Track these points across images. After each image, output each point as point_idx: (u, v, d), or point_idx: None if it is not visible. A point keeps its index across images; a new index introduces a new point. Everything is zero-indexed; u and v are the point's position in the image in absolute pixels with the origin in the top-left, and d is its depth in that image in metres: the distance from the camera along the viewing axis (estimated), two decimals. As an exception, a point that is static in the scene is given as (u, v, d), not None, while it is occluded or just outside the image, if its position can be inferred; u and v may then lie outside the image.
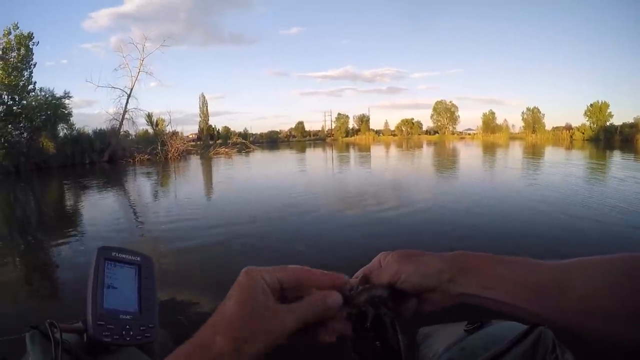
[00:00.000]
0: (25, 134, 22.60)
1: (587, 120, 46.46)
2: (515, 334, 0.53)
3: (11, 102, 22.28)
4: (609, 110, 45.36)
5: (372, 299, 0.42)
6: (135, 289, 0.56)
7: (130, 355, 0.55)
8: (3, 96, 21.86)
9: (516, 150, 26.90)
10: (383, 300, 0.42)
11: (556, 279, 0.39)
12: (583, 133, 43.55)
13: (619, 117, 59.36)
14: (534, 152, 24.21)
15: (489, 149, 29.20)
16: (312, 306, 0.38)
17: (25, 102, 22.58)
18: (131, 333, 0.52)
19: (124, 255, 0.56)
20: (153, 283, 0.58)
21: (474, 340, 0.57)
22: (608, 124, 43.89)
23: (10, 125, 21.92)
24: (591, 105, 46.40)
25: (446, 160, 19.68)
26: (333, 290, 0.40)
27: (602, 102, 45.76)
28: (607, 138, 38.22)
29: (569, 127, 49.27)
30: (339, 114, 74.46)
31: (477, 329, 0.59)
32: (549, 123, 56.67)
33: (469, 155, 23.38)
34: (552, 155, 22.08)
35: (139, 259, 0.58)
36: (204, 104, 56.49)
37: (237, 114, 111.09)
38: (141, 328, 0.53)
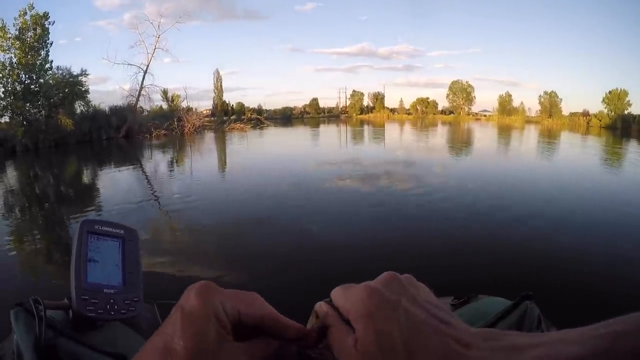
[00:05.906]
0: (43, 112, 22.93)
1: (605, 108, 45.21)
2: (501, 308, 0.52)
3: (29, 81, 22.58)
4: (627, 99, 43.98)
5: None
6: (119, 263, 0.55)
7: (117, 330, 0.55)
8: (21, 75, 22.15)
9: (544, 135, 26.34)
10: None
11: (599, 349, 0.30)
12: (600, 120, 42.43)
13: (638, 106, 57.47)
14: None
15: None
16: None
17: (42, 80, 22.89)
18: (115, 307, 0.51)
19: (107, 229, 0.55)
20: (138, 256, 0.57)
21: (460, 315, 0.56)
22: (626, 112, 42.61)
23: (28, 104, 22.27)
24: (610, 92, 44.97)
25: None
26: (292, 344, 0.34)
27: (621, 90, 44.27)
28: (625, 127, 37.13)
29: (586, 114, 47.95)
30: (353, 91, 72.67)
31: (464, 303, 0.58)
32: (566, 108, 55.15)
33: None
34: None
35: (122, 232, 0.57)
36: (218, 79, 56.34)
37: (251, 89, 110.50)
38: (125, 302, 0.53)
